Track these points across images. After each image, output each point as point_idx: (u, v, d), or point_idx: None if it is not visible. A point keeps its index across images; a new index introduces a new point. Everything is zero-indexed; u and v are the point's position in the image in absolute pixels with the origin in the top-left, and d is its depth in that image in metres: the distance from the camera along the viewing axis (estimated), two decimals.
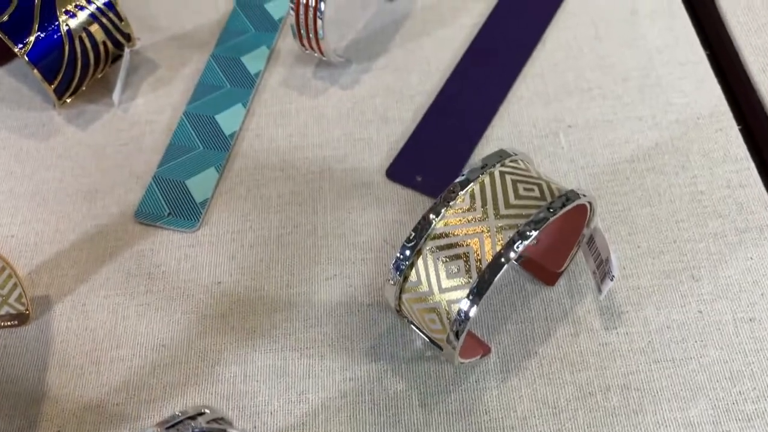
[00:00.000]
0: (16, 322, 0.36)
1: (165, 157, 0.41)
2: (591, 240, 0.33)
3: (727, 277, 0.35)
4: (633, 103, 0.41)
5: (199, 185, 0.39)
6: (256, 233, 0.38)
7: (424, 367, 0.33)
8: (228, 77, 0.43)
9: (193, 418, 0.27)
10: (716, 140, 0.39)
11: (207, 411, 0.27)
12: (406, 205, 0.38)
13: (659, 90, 0.41)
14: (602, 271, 0.32)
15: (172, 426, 0.26)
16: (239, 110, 0.42)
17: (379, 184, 0.39)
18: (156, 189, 0.39)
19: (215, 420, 0.27)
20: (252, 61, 0.44)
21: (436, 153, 0.40)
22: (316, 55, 0.42)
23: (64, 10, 0.39)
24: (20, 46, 0.38)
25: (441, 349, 0.30)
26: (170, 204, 0.39)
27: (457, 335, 0.28)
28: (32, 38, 0.39)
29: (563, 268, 0.34)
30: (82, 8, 0.40)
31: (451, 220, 0.28)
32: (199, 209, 0.38)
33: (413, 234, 0.29)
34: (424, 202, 0.38)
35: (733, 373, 0.32)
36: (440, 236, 0.28)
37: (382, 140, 0.41)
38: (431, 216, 0.28)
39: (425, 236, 0.28)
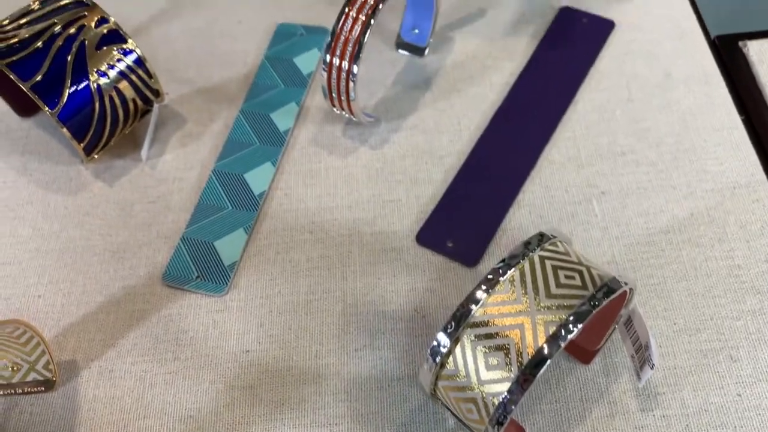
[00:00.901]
0: (43, 389, 0.35)
1: (193, 217, 0.40)
2: (629, 321, 0.32)
3: (767, 359, 0.34)
4: (667, 170, 0.40)
5: (227, 247, 0.39)
6: (285, 299, 0.38)
7: None
8: (257, 134, 0.43)
9: None
10: (753, 211, 0.38)
11: None
12: (436, 272, 0.38)
13: (694, 156, 0.40)
14: (641, 357, 0.32)
15: None
16: (268, 169, 0.42)
17: (409, 250, 0.39)
18: (184, 250, 0.39)
19: None
20: (281, 118, 0.44)
21: (467, 218, 0.39)
22: (346, 115, 0.42)
23: (95, 69, 0.39)
24: (51, 105, 0.38)
25: None
26: (198, 266, 0.38)
27: (496, 428, 0.27)
28: (64, 98, 0.38)
29: (599, 347, 0.34)
30: (112, 66, 0.40)
31: (490, 308, 0.28)
32: (227, 273, 0.38)
33: (452, 323, 0.28)
34: (455, 269, 0.38)
35: None
36: (479, 324, 0.28)
37: (411, 202, 0.41)
38: (471, 305, 0.28)
39: (464, 324, 0.28)
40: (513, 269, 0.29)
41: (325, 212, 0.40)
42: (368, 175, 0.42)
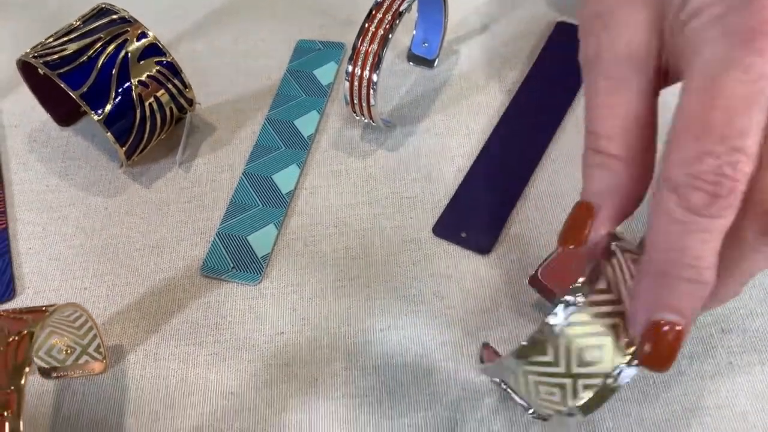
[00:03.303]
0: (93, 370, 0.38)
1: (227, 215, 0.44)
2: None
3: (755, 329, 0.38)
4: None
5: (259, 241, 0.42)
6: (314, 286, 0.41)
7: (478, 414, 0.36)
8: (282, 140, 0.47)
9: None
10: None
11: None
12: (452, 259, 0.41)
13: None
14: None
15: None
16: (294, 170, 0.45)
17: (426, 240, 0.42)
18: (220, 244, 0.42)
19: None
20: (304, 125, 0.48)
21: (479, 211, 0.43)
22: (365, 120, 0.46)
23: (137, 79, 0.43)
24: (98, 112, 0.42)
25: (544, 418, 0.31)
26: (233, 259, 0.42)
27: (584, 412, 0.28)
28: (109, 105, 0.42)
29: None
30: (152, 77, 0.44)
31: (586, 313, 0.27)
32: (261, 263, 0.41)
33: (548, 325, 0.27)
34: (469, 257, 0.41)
35: (766, 423, 0.35)
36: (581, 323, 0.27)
37: (427, 198, 0.44)
38: (568, 297, 0.27)
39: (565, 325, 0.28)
40: (605, 264, 0.28)
41: (348, 208, 0.44)
42: (386, 175, 0.45)
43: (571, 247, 0.29)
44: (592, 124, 0.28)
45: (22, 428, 0.29)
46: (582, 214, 0.28)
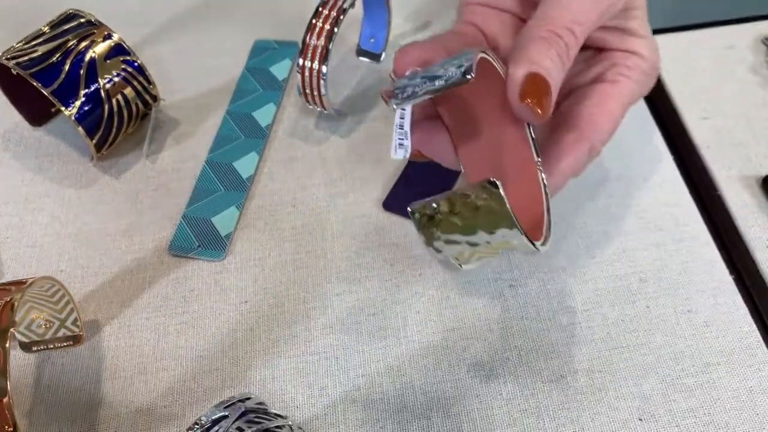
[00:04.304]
0: (71, 343, 0.41)
1: (191, 199, 0.47)
2: None
3: (668, 278, 0.42)
4: None
5: (223, 221, 0.46)
6: (275, 259, 0.45)
7: (423, 362, 0.40)
8: (242, 130, 0.51)
9: (242, 400, 0.33)
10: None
11: (252, 396, 0.34)
12: (401, 230, 0.45)
13: None
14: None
15: (228, 406, 0.32)
16: (253, 157, 0.49)
17: (377, 215, 0.46)
18: (186, 226, 0.46)
19: (258, 403, 0.34)
20: (262, 116, 0.51)
21: (423, 187, 0.47)
22: (318, 109, 0.50)
23: (105, 77, 0.47)
24: (69, 108, 0.45)
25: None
26: (199, 238, 0.45)
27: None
28: (78, 102, 0.46)
29: None
30: (118, 74, 0.47)
31: None
32: (224, 241, 0.45)
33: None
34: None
35: (676, 354, 0.39)
36: None
37: (377, 178, 0.48)
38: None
39: None
40: None
41: (305, 189, 0.48)
42: (339, 158, 0.49)
43: (530, 104, 0.33)
44: (577, 17, 0.34)
45: (9, 387, 0.33)
46: (547, 88, 0.33)
